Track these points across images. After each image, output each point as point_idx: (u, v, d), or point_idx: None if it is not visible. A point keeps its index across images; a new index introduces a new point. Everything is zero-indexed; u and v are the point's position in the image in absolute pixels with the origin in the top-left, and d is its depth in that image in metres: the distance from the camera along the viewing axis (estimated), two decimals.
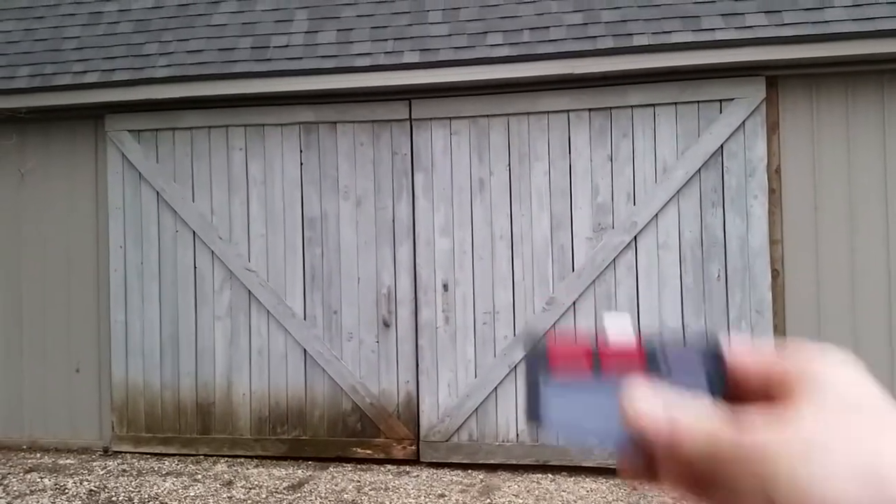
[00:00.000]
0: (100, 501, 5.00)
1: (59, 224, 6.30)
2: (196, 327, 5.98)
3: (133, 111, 6.06)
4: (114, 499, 5.04)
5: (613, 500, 4.96)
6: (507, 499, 4.96)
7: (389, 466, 5.66)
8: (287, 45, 5.76)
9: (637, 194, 5.41)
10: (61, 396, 6.25)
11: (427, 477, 5.43)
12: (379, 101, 5.76)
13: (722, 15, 5.22)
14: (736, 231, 5.31)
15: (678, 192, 5.36)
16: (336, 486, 5.24)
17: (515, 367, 5.52)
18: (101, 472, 5.59)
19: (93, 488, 5.24)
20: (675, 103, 5.38)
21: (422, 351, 5.69)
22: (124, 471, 5.63)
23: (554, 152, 5.54)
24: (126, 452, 6.02)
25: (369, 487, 5.19)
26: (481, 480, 5.34)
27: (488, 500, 4.93)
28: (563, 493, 5.08)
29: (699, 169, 5.34)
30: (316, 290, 5.83)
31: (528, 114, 5.56)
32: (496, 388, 5.55)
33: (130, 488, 5.24)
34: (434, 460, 5.64)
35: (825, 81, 5.30)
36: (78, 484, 5.33)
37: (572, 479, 5.35)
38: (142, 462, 5.82)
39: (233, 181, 5.96)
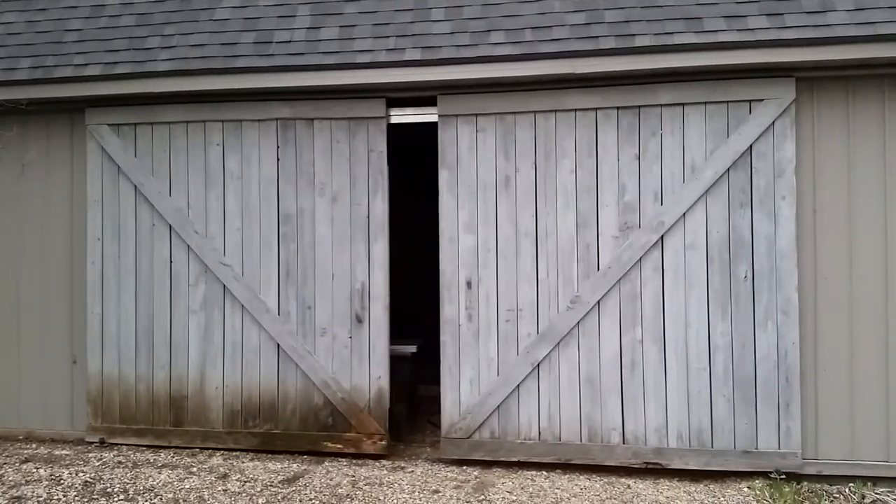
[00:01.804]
0: (95, 492, 5.01)
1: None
2: (171, 321, 6.07)
3: (114, 105, 6.14)
4: (109, 490, 5.05)
5: (607, 497, 4.95)
6: (502, 496, 4.96)
7: (384, 462, 5.72)
8: (290, 41, 5.79)
9: (665, 193, 5.37)
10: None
11: (422, 473, 5.44)
12: (356, 99, 5.82)
13: (725, 17, 5.22)
14: (764, 232, 5.27)
15: (706, 191, 5.32)
16: (331, 480, 5.25)
17: (538, 365, 5.50)
18: (97, 464, 5.61)
19: (88, 479, 5.25)
20: (705, 103, 5.34)
21: (444, 347, 5.67)
22: (120, 462, 5.65)
23: (581, 150, 5.50)
24: (113, 444, 6.11)
25: (364, 482, 5.20)
26: (476, 477, 5.34)
27: (482, 497, 4.93)
28: (556, 490, 5.07)
29: (728, 169, 5.30)
30: (290, 286, 5.91)
31: (556, 111, 5.53)
32: (518, 386, 5.53)
33: (126, 480, 5.24)
34: (455, 457, 5.63)
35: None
36: (73, 475, 5.34)
37: (566, 476, 5.34)
38: (137, 454, 5.86)
39: (210, 176, 6.04)
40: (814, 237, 5.25)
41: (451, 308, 5.66)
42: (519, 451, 5.51)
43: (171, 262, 6.09)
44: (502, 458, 5.53)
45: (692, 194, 5.32)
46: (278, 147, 5.94)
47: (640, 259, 5.38)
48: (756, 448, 5.23)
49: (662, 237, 5.36)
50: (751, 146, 5.29)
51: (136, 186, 6.13)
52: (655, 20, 5.30)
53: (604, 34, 5.31)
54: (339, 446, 5.81)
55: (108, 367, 6.15)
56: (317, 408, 5.88)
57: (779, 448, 5.21)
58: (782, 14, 5.16)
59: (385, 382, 5.82)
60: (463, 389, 5.62)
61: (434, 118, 5.79)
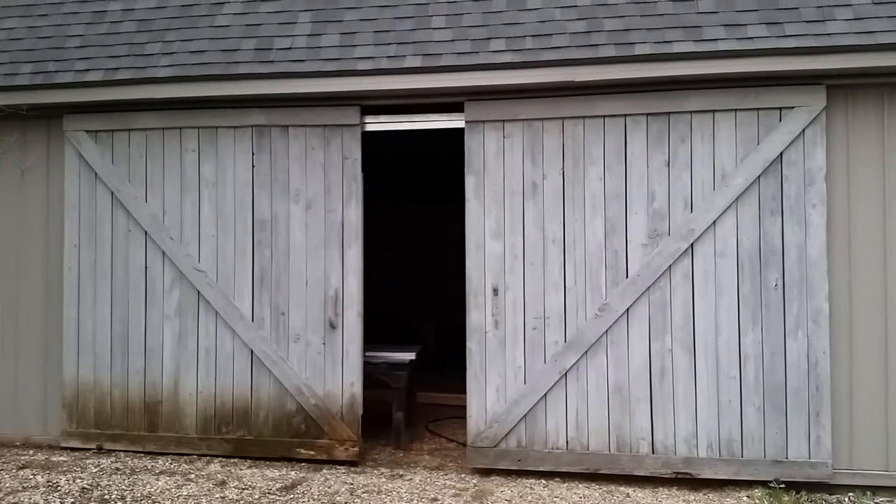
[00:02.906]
0: (92, 499, 4.97)
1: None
2: (146, 326, 6.09)
3: (93, 112, 6.16)
4: (106, 497, 5.01)
5: None
6: None
7: (383, 469, 5.69)
8: (290, 48, 5.80)
9: (694, 201, 5.34)
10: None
11: (420, 480, 5.41)
12: (330, 106, 5.85)
13: (725, 26, 5.22)
14: (794, 240, 5.24)
15: (737, 199, 5.28)
16: (329, 488, 5.22)
17: (566, 373, 5.45)
18: (94, 470, 5.58)
19: (85, 486, 5.22)
20: (735, 110, 5.31)
21: (470, 355, 5.62)
22: (117, 469, 5.63)
23: (610, 156, 5.47)
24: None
25: (362, 490, 5.17)
26: (474, 485, 5.32)
27: None
28: (555, 498, 5.03)
29: (758, 177, 5.27)
30: (265, 292, 5.92)
31: (584, 117, 5.50)
32: (546, 394, 5.48)
33: (123, 486, 5.21)
34: (481, 466, 5.57)
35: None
36: (71, 481, 5.30)
37: (565, 485, 5.31)
38: (135, 461, 5.84)
39: (185, 182, 6.07)
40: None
41: (478, 315, 5.61)
42: (547, 461, 5.45)
43: (146, 267, 6.09)
44: (529, 468, 5.48)
45: (722, 202, 5.29)
46: (253, 154, 5.97)
47: (670, 267, 5.34)
48: (786, 458, 5.19)
49: (692, 245, 5.32)
50: (781, 154, 5.26)
51: (112, 192, 6.15)
52: (655, 28, 5.30)
53: (603, 42, 5.32)
54: (311, 453, 5.81)
55: (83, 372, 6.15)
56: (290, 414, 5.87)
57: (809, 458, 5.17)
58: (782, 23, 5.17)
59: (358, 389, 5.82)
60: (489, 397, 5.57)
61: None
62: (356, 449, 5.76)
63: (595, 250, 5.47)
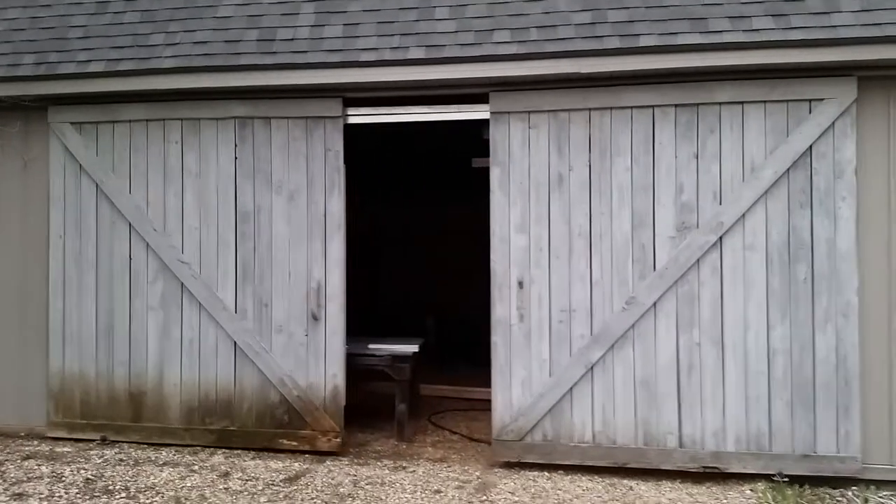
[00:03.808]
0: (96, 490, 4.99)
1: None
2: (130, 317, 6.10)
3: (78, 103, 6.15)
4: (110, 487, 5.04)
5: (609, 499, 4.90)
6: (504, 496, 4.92)
7: (386, 461, 5.69)
8: (293, 39, 5.77)
9: (723, 193, 5.29)
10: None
11: (423, 473, 5.40)
12: (312, 98, 5.83)
13: (730, 17, 5.18)
14: (824, 233, 5.19)
15: (766, 192, 5.23)
16: (332, 479, 5.22)
17: (592, 367, 5.41)
18: (98, 461, 5.61)
19: (89, 476, 5.25)
20: (764, 101, 5.26)
21: (495, 348, 5.57)
22: (121, 460, 5.65)
23: (637, 148, 5.42)
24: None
25: (366, 482, 5.17)
26: (477, 477, 5.31)
27: (484, 497, 4.89)
28: (559, 491, 5.03)
29: (787, 169, 5.22)
30: (247, 283, 5.92)
31: (611, 108, 5.44)
32: (572, 388, 5.43)
33: (127, 477, 5.23)
34: (507, 459, 5.53)
35: None
36: (75, 472, 5.33)
37: (568, 477, 5.30)
38: (139, 451, 5.85)
39: (168, 174, 6.06)
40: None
41: (503, 308, 5.56)
42: (573, 455, 5.41)
43: (130, 259, 6.10)
44: (556, 462, 5.44)
45: (751, 194, 5.24)
46: (236, 145, 5.96)
47: (699, 260, 5.29)
48: (815, 452, 5.15)
49: (721, 238, 5.27)
50: (811, 146, 5.21)
51: (97, 184, 6.15)
52: (659, 20, 5.26)
53: (608, 34, 5.28)
54: (294, 443, 5.82)
55: (69, 362, 6.18)
56: (273, 405, 5.88)
57: (837, 452, 5.13)
58: (788, 15, 5.12)
59: (341, 381, 5.82)
60: (514, 391, 5.52)
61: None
62: (339, 440, 5.78)
63: (622, 243, 5.42)
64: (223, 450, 5.87)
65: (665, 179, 5.37)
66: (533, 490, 5.03)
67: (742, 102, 5.28)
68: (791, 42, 5.04)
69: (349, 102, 5.85)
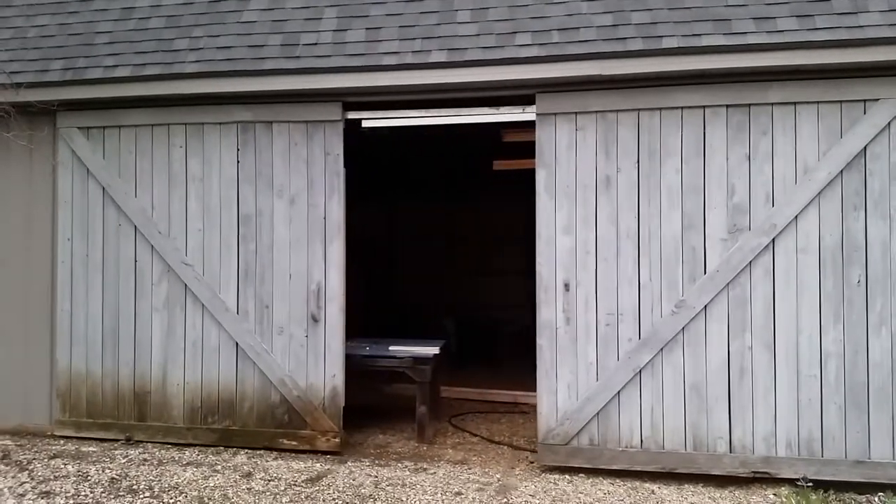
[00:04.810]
0: (121, 489, 5.05)
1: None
2: (135, 318, 6.19)
3: (85, 109, 6.23)
4: (135, 487, 5.09)
5: (631, 503, 4.86)
6: (524, 499, 4.89)
7: (407, 463, 5.69)
8: (316, 44, 5.81)
9: (776, 195, 5.21)
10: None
11: (444, 474, 5.38)
12: (313, 103, 5.89)
13: (754, 19, 5.14)
14: (878, 236, 5.11)
15: (819, 193, 5.16)
16: (354, 480, 5.23)
17: (640, 371, 5.35)
18: (123, 461, 5.66)
19: (114, 476, 5.31)
20: (818, 102, 5.17)
21: (540, 351, 5.52)
22: (145, 460, 5.70)
23: (687, 149, 5.34)
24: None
25: (387, 483, 5.17)
26: (498, 479, 5.28)
27: (504, 500, 4.87)
28: (580, 494, 5.00)
29: (841, 171, 5.14)
30: (249, 285, 5.98)
31: (660, 109, 5.37)
32: (619, 392, 5.37)
33: (151, 477, 5.28)
34: (553, 464, 5.48)
35: None
36: (100, 471, 5.39)
37: (589, 480, 5.27)
38: (162, 451, 5.91)
39: (173, 178, 6.15)
40: None
41: (548, 311, 5.51)
42: (620, 459, 5.35)
43: (135, 261, 6.18)
44: (603, 466, 5.38)
45: (804, 196, 5.16)
46: (238, 149, 6.05)
47: (751, 262, 5.22)
48: (869, 458, 5.08)
49: (774, 240, 5.20)
50: (865, 147, 5.12)
51: (103, 188, 6.25)
52: (683, 22, 5.23)
53: (631, 35, 5.24)
54: (294, 443, 5.89)
55: (76, 362, 6.27)
56: (273, 405, 5.92)
57: (893, 459, 5.05)
58: (813, 16, 5.06)
59: (340, 381, 5.85)
60: (560, 394, 5.47)
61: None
62: (337, 440, 5.81)
63: (671, 245, 5.35)
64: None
65: (716, 181, 5.29)
66: (553, 493, 5.00)
67: (795, 103, 5.20)
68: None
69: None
